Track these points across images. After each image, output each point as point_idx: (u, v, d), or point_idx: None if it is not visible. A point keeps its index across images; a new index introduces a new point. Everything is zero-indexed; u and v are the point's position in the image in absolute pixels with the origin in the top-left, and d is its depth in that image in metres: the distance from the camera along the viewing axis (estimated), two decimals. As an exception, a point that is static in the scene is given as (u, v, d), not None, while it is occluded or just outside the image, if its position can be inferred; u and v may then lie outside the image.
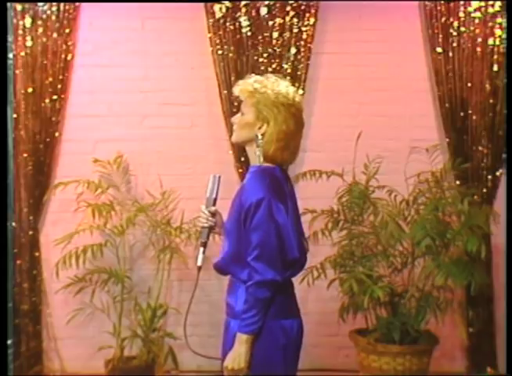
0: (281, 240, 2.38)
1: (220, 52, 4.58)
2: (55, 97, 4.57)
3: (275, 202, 2.38)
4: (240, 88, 2.50)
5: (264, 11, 4.56)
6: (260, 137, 2.45)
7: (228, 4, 4.56)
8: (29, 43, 4.52)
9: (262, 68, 4.54)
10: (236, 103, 4.27)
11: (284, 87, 2.48)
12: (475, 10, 4.56)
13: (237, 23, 4.57)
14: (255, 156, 2.48)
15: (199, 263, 2.53)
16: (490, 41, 4.56)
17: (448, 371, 4.68)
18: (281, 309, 2.43)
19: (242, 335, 2.37)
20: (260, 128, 2.45)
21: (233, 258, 2.47)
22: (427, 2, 4.62)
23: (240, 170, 4.54)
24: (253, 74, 2.56)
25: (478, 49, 4.57)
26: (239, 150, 4.40)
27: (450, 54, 4.59)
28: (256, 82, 2.48)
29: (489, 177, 4.62)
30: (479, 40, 4.56)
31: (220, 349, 2.53)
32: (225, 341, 2.49)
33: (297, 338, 2.48)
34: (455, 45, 4.58)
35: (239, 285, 2.46)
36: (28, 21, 4.50)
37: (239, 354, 2.37)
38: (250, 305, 2.36)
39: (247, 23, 4.57)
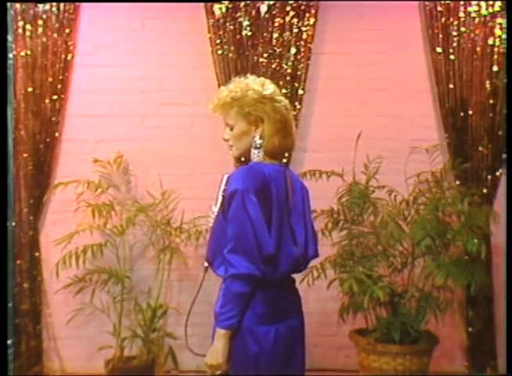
0: (254, 233, 2.29)
1: (220, 52, 4.58)
2: (55, 97, 4.57)
3: (248, 194, 2.30)
4: (214, 105, 2.46)
5: (264, 9, 4.56)
6: (258, 138, 2.43)
7: (228, 4, 4.56)
8: (29, 43, 4.52)
9: (262, 68, 4.54)
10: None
11: (253, 82, 2.46)
12: (475, 10, 4.56)
13: (237, 23, 4.58)
14: (257, 158, 2.45)
15: (206, 263, 2.46)
16: (490, 41, 4.56)
17: (448, 371, 4.69)
18: (255, 314, 2.34)
19: (219, 330, 2.31)
20: (256, 129, 2.44)
21: (215, 251, 2.40)
22: (427, 2, 4.62)
23: (240, 170, 4.53)
24: (222, 87, 2.51)
25: (478, 49, 4.57)
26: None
27: (450, 54, 4.59)
28: (229, 92, 2.44)
29: (489, 177, 4.62)
30: (479, 40, 4.57)
31: None
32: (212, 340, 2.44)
33: (273, 346, 2.35)
34: (455, 45, 4.59)
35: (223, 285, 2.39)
36: (28, 21, 4.51)
37: (216, 350, 2.32)
38: (226, 299, 2.30)
39: (247, 23, 4.58)
